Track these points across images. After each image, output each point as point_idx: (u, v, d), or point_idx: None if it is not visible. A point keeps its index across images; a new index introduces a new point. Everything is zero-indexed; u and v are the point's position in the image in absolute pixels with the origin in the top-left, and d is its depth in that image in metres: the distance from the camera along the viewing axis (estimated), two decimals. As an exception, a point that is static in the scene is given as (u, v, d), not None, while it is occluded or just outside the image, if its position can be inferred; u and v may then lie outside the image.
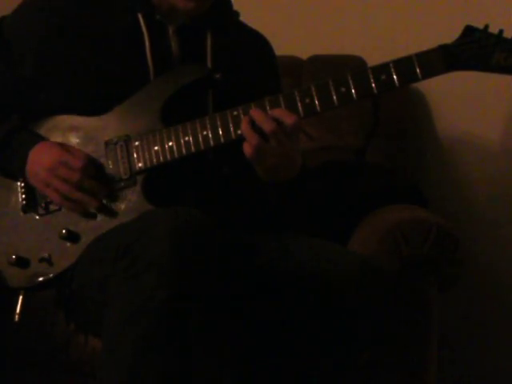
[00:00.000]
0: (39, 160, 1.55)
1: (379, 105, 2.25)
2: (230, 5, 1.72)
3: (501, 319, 2.34)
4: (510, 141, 2.27)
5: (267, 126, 1.46)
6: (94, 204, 1.53)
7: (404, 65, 1.47)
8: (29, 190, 1.60)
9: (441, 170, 2.37)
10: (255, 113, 1.48)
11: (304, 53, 2.39)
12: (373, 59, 2.24)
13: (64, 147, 1.55)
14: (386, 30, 2.37)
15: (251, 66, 1.69)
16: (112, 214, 1.54)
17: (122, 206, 1.54)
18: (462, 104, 2.29)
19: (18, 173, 1.59)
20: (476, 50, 1.45)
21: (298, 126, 1.48)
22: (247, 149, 1.48)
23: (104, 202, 1.55)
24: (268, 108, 1.49)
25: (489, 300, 2.33)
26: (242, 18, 1.74)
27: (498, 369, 2.35)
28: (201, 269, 1.32)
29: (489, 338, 2.35)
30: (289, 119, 1.47)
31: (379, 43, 2.35)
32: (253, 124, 1.48)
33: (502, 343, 2.35)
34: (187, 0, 1.57)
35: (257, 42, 1.75)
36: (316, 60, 2.38)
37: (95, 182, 1.54)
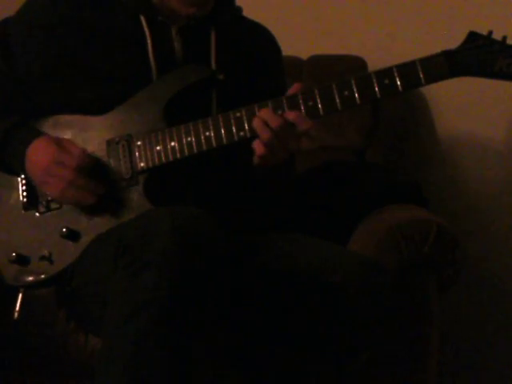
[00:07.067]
0: (36, 160, 1.55)
1: (379, 105, 2.25)
2: (232, 0, 1.72)
3: (501, 319, 2.34)
4: (509, 142, 2.28)
5: (276, 124, 1.47)
6: (90, 200, 1.53)
7: (407, 69, 1.46)
8: (30, 187, 1.60)
9: (441, 170, 2.38)
10: (264, 112, 1.48)
11: (304, 53, 2.39)
12: (373, 59, 2.26)
13: (61, 145, 1.55)
14: (386, 30, 2.37)
15: (256, 64, 1.68)
16: (113, 213, 1.54)
17: (124, 206, 1.54)
18: (462, 105, 2.30)
19: (20, 171, 1.59)
20: (479, 56, 1.44)
21: (310, 130, 1.49)
22: (259, 147, 1.48)
23: (105, 201, 1.55)
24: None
25: (489, 300, 2.34)
26: (242, 18, 1.75)
27: (497, 368, 2.36)
28: (201, 267, 1.32)
29: (489, 337, 2.35)
30: (305, 125, 1.48)
31: (379, 43, 2.36)
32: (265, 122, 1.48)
33: (501, 342, 2.35)
34: (188, 6, 1.59)
35: (261, 39, 1.75)
36: (316, 60, 2.38)
37: (90, 180, 1.53)
